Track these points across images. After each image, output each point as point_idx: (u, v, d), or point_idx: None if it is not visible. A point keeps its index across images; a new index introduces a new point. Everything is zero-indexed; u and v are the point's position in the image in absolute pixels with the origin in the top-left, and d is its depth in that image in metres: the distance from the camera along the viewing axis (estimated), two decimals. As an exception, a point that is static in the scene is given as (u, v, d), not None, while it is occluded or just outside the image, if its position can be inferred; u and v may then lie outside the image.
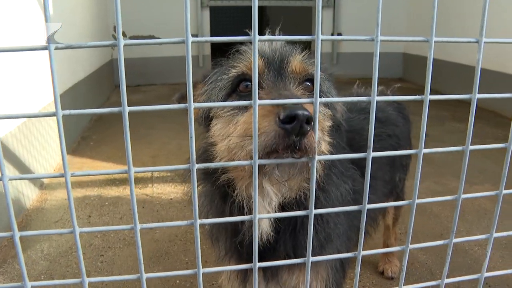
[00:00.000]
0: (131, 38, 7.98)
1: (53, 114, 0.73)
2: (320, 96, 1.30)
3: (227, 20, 14.05)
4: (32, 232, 0.81)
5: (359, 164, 1.69)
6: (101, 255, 2.72)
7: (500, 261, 2.63)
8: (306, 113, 0.96)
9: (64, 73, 4.69)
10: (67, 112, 0.74)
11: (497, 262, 2.61)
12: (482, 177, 3.90)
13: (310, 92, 1.28)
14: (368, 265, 2.61)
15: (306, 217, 1.30)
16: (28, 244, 2.82)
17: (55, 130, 4.16)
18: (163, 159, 4.32)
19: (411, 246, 0.96)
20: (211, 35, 8.44)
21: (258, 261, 1.43)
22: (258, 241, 1.36)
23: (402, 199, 2.47)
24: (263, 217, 0.83)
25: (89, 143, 4.89)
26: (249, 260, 1.43)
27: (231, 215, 1.33)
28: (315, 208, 1.32)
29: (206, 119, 1.36)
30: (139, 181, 3.81)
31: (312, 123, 0.96)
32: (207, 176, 1.38)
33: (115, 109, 0.75)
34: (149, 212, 3.27)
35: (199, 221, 0.81)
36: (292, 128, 0.97)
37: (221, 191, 1.35)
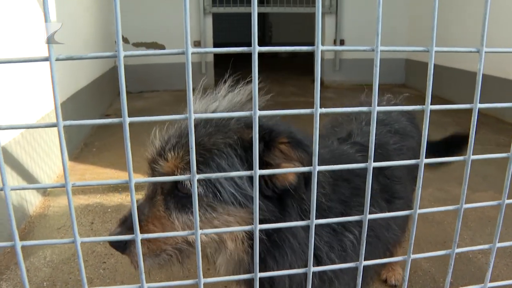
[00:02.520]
0: (134, 44, 8.01)
1: (54, 125, 0.73)
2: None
3: (229, 27, 14.13)
4: (33, 242, 0.81)
5: (379, 181, 1.62)
6: (104, 262, 2.72)
7: (504, 269, 2.61)
8: (117, 244, 1.25)
9: (66, 80, 4.71)
10: (68, 123, 0.74)
11: (502, 270, 2.59)
12: (485, 183, 3.89)
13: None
14: (371, 272, 2.60)
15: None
16: (31, 250, 2.82)
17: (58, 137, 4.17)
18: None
19: (413, 256, 0.96)
20: (214, 41, 8.46)
21: None
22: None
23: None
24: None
25: (91, 149, 4.89)
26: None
27: None
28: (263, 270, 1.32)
29: None
30: (142, 188, 3.81)
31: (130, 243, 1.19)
32: None
33: (116, 120, 0.75)
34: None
35: (200, 231, 0.81)
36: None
37: None
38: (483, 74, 0.80)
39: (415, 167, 2.03)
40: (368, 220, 0.84)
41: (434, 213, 3.26)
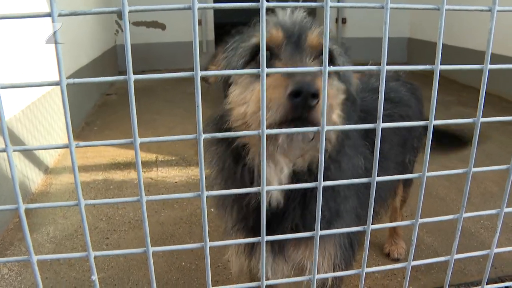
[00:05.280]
0: (134, 23, 7.94)
1: (57, 83, 0.72)
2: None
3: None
4: (37, 204, 0.80)
5: (372, 143, 1.67)
6: (107, 238, 2.73)
7: (506, 243, 2.62)
8: (312, 87, 0.98)
9: (66, 58, 4.67)
10: (71, 81, 0.73)
11: (503, 245, 2.60)
12: (488, 161, 3.87)
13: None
14: (374, 247, 2.61)
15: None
16: (34, 227, 2.82)
17: (59, 114, 4.15)
18: (169, 145, 4.30)
19: (421, 221, 0.95)
20: (215, 20, 8.39)
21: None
22: (266, 209, 1.34)
23: (411, 182, 2.45)
24: (271, 189, 0.81)
25: (92, 128, 4.88)
26: (257, 232, 1.42)
27: (241, 177, 1.35)
28: (325, 179, 1.31)
29: (225, 84, 1.36)
30: (144, 165, 3.81)
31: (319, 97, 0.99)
32: (223, 138, 1.39)
33: (121, 77, 0.74)
34: (154, 195, 3.27)
35: (206, 193, 0.80)
36: (298, 103, 0.99)
37: (234, 154, 1.35)
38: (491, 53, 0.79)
39: (411, 137, 2.09)
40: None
41: (437, 189, 3.26)
